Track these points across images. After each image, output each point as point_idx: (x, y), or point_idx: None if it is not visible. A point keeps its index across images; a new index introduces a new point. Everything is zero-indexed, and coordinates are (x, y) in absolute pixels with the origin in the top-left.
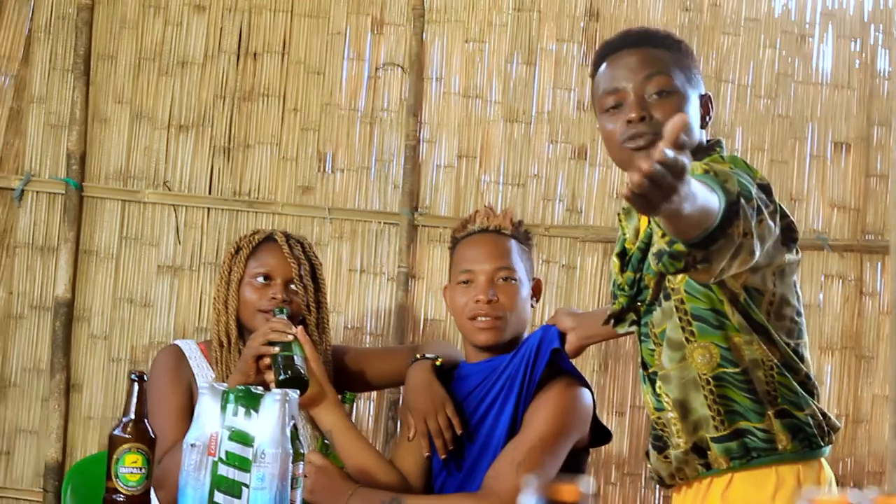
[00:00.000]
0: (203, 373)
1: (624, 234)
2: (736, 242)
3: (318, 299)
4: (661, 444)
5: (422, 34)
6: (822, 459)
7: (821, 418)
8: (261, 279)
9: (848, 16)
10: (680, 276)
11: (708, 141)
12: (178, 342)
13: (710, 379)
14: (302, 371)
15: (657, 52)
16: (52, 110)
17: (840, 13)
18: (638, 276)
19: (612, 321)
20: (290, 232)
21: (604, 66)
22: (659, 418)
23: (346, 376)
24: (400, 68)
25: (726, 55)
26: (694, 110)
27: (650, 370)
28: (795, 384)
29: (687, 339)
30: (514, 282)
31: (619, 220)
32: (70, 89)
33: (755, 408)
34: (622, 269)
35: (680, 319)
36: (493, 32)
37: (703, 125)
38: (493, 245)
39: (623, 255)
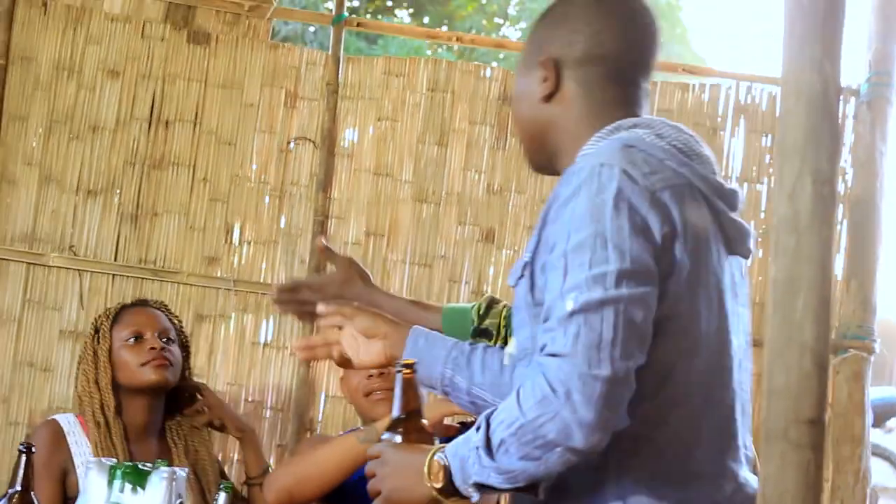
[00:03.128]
0: (81, 450)
1: None
2: None
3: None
4: None
5: (335, 110)
6: None
7: None
8: (132, 340)
9: (760, 111)
10: None
11: None
12: (57, 417)
13: None
14: None
15: None
16: None
17: (752, 108)
18: None
19: None
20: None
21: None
22: None
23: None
24: (311, 143)
25: None
26: None
27: None
28: None
29: None
30: None
31: None
32: None
33: None
34: None
35: None
36: (405, 112)
37: None
38: None
39: None
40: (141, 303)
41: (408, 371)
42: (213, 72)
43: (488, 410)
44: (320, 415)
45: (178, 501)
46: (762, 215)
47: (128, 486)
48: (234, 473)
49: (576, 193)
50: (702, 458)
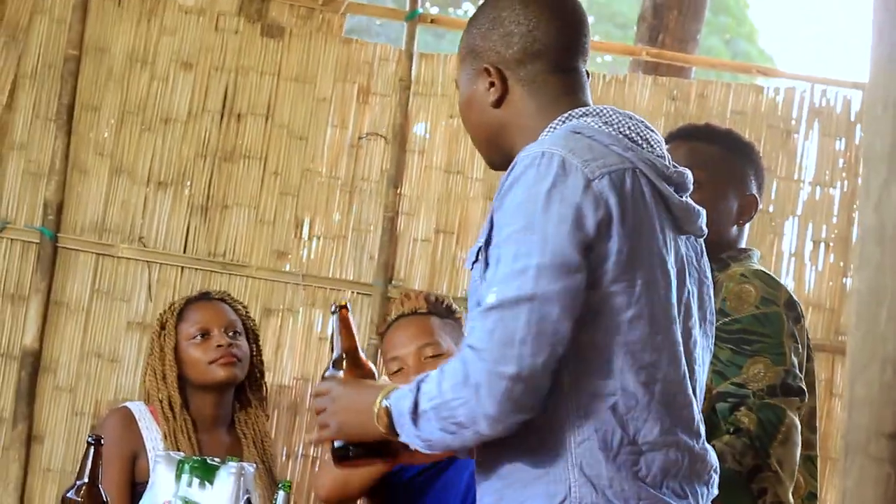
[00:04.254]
0: (153, 436)
1: None
2: None
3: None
4: None
5: (407, 106)
6: None
7: None
8: (199, 337)
9: (835, 114)
10: None
11: (743, 249)
12: (128, 404)
13: None
14: None
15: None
16: (31, 158)
17: (827, 111)
18: None
19: None
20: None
21: None
22: None
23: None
24: (383, 139)
25: None
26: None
27: None
28: None
29: None
30: (441, 356)
31: None
32: (52, 138)
33: None
34: None
35: None
36: None
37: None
38: (413, 326)
39: None
40: (204, 296)
41: (343, 310)
42: (285, 65)
43: (423, 374)
44: None
45: (246, 497)
46: (835, 220)
47: (196, 481)
48: (299, 468)
49: (515, 182)
50: (650, 427)
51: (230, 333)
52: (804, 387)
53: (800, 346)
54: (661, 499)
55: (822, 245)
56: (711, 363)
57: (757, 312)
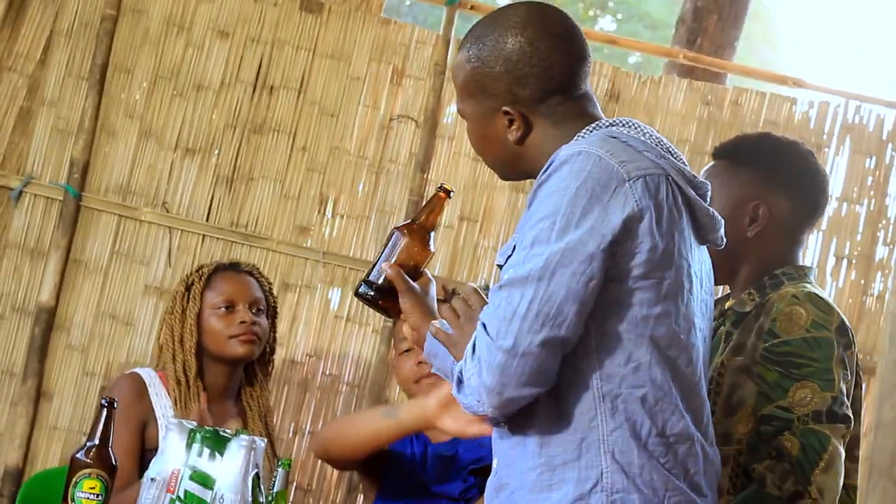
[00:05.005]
0: (162, 402)
1: None
2: None
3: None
4: None
5: (440, 91)
6: None
7: None
8: (223, 309)
9: (867, 132)
10: None
11: (800, 266)
12: (139, 370)
13: None
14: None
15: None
16: (61, 115)
17: (859, 128)
18: None
19: None
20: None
21: None
22: None
23: None
24: (414, 122)
25: None
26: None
27: None
28: None
29: None
30: None
31: None
32: (82, 97)
33: None
34: None
35: None
36: None
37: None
38: None
39: None
40: (234, 266)
41: (443, 193)
42: (322, 41)
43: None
44: (396, 395)
45: (255, 472)
46: (859, 237)
47: (206, 452)
48: (305, 444)
49: (549, 177)
50: (677, 420)
51: (254, 310)
52: (850, 414)
53: (849, 373)
54: (686, 492)
55: (845, 261)
56: (756, 384)
57: (807, 336)
